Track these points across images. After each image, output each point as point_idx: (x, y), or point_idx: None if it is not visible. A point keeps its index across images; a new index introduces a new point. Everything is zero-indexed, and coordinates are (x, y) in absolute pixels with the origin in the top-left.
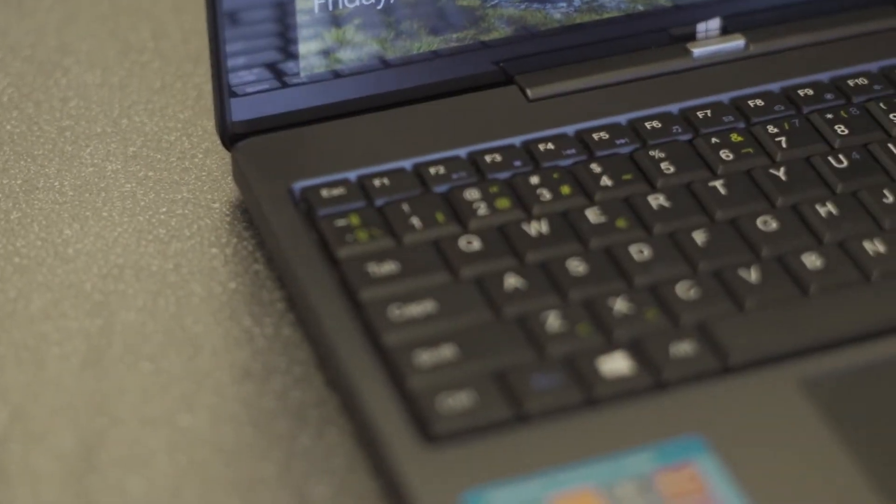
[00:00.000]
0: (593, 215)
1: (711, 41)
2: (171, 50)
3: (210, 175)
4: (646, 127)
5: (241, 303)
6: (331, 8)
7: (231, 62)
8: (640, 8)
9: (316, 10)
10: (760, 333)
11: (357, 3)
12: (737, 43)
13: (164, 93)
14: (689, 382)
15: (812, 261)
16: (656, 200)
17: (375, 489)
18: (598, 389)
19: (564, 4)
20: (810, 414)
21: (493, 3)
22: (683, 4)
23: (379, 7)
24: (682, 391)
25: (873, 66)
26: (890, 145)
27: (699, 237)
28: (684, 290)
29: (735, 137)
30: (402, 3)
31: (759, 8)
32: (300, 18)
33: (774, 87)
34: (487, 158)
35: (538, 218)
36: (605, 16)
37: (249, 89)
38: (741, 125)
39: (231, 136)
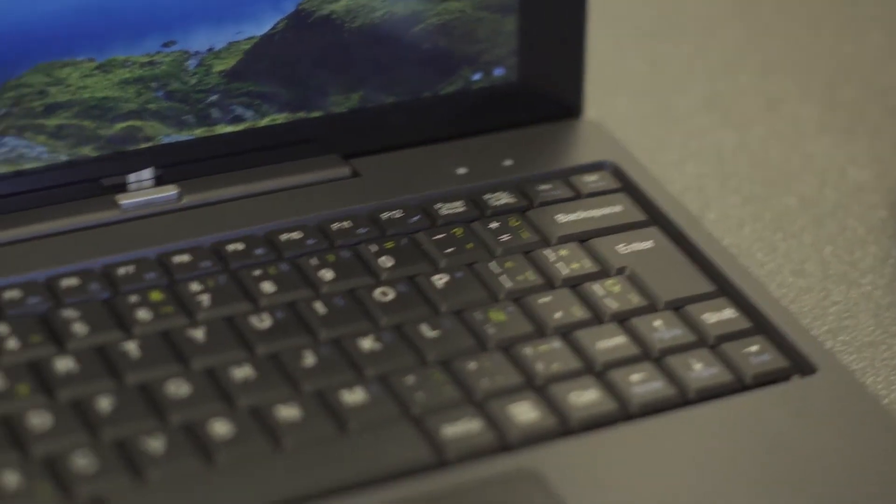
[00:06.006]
0: None
1: (143, 192)
2: None
3: None
4: (62, 284)
5: None
6: None
7: None
8: (65, 158)
9: None
10: None
11: None
12: (169, 194)
13: None
14: None
15: (222, 429)
16: (63, 365)
17: None
18: None
19: None
20: None
21: None
22: (112, 154)
23: None
24: None
25: (311, 219)
26: (318, 303)
27: (103, 404)
28: (82, 461)
29: (155, 296)
30: None
31: (195, 157)
32: None
33: (205, 241)
34: None
35: None
36: (26, 166)
37: None
38: (164, 282)
39: None
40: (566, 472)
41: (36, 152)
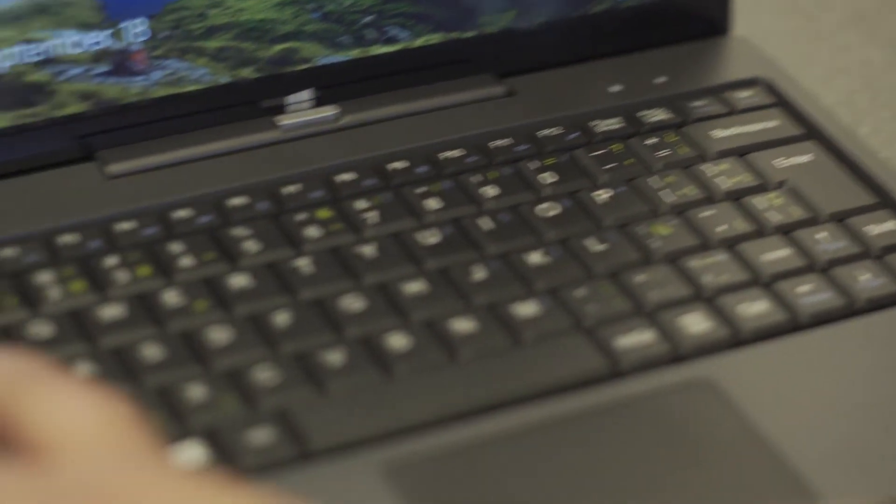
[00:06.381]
0: (172, 297)
1: (302, 113)
2: None
3: None
4: (230, 203)
5: None
6: None
7: None
8: (225, 80)
9: None
10: (343, 418)
11: None
12: (328, 114)
13: None
14: (267, 470)
15: (398, 342)
16: (238, 281)
17: None
18: None
19: (142, 78)
20: (391, 500)
21: (64, 77)
22: (271, 76)
23: None
24: (260, 478)
25: (470, 138)
26: (483, 219)
27: (280, 318)
28: (264, 374)
29: (323, 213)
30: None
31: (352, 78)
32: None
33: (366, 159)
34: (62, 239)
35: (114, 301)
36: (188, 89)
37: None
38: (329, 199)
39: None
40: (740, 381)
41: (197, 74)
